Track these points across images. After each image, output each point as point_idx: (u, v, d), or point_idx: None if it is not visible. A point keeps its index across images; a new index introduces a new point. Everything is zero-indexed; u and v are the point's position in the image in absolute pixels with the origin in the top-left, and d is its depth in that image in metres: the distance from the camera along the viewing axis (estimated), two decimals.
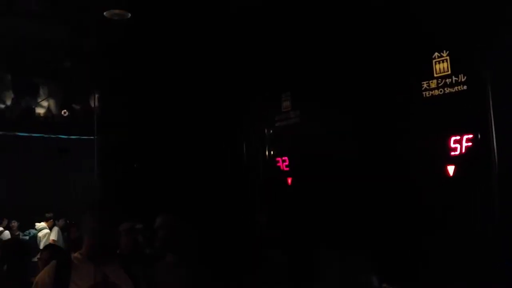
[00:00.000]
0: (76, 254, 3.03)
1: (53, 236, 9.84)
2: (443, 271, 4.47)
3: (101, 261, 2.95)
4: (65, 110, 8.43)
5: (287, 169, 6.25)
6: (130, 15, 5.01)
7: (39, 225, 10.10)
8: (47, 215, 10.21)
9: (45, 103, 9.13)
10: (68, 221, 10.33)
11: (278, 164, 6.37)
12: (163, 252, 4.60)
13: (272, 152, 6.58)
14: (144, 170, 6.62)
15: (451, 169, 4.45)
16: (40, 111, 9.79)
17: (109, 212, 3.08)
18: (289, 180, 6.21)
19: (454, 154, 4.39)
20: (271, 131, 6.62)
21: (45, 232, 9.97)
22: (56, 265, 2.90)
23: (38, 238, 9.85)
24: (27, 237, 9.78)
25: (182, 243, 4.71)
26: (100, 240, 2.98)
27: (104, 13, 4.98)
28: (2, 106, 9.34)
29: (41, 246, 9.69)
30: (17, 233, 10.24)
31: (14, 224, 10.40)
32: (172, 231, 4.77)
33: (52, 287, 2.80)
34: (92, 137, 8.58)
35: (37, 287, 2.87)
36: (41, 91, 8.49)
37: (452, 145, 4.41)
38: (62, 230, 10.28)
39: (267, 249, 6.27)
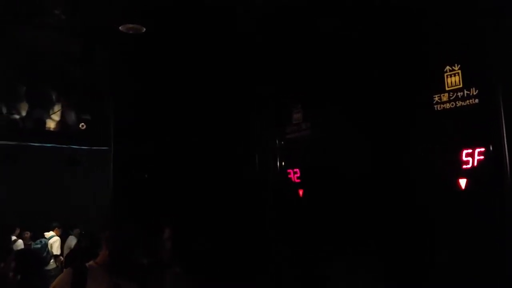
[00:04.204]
0: (91, 263, 3.11)
1: (70, 244, 9.97)
2: (456, 285, 4.46)
3: (115, 272, 3.03)
4: (82, 124, 8.54)
5: (298, 180, 6.28)
6: (144, 29, 5.08)
7: (48, 234, 10.23)
8: (54, 224, 10.35)
9: (59, 114, 9.24)
10: (83, 232, 10.44)
11: (289, 176, 6.40)
12: (171, 263, 4.64)
13: (283, 164, 6.61)
14: (157, 181, 6.67)
15: (463, 182, 4.45)
16: (53, 121, 9.91)
17: (128, 229, 3.19)
18: (301, 192, 6.23)
19: (466, 168, 4.40)
20: (282, 143, 6.65)
21: (56, 239, 10.10)
22: (73, 272, 2.99)
23: (49, 246, 9.98)
24: (39, 246, 9.91)
25: (190, 254, 4.75)
26: (118, 255, 3.07)
27: (120, 27, 5.06)
28: (16, 116, 9.45)
29: (54, 252, 9.84)
30: (29, 242, 10.35)
31: (27, 235, 10.51)
32: (179, 243, 4.82)
33: None
34: (104, 148, 8.67)
35: None
36: (56, 102, 8.60)
37: (464, 159, 4.42)
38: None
39: (278, 260, 6.29)
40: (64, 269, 3.55)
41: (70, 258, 6.48)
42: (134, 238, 3.27)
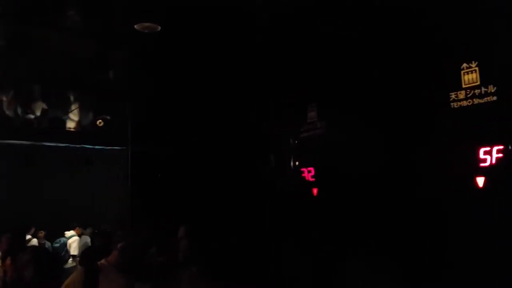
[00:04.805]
0: (103, 261, 3.11)
1: (85, 243, 10.05)
2: (471, 285, 4.42)
3: (127, 271, 3.03)
4: (100, 121, 8.59)
5: (313, 179, 6.26)
6: (160, 28, 5.09)
7: (68, 233, 10.32)
8: (74, 223, 10.44)
9: (75, 114, 9.31)
10: (96, 231, 10.51)
11: (303, 175, 6.38)
12: (186, 263, 4.64)
13: (297, 163, 6.59)
14: (173, 180, 6.70)
15: (480, 180, 4.41)
16: (69, 121, 9.98)
17: (141, 230, 3.19)
18: (315, 191, 6.21)
19: (484, 166, 4.36)
20: (296, 142, 6.64)
21: (75, 239, 10.18)
22: (85, 270, 3.00)
23: (68, 245, 10.08)
24: (57, 245, 10.02)
25: (205, 254, 4.75)
26: (129, 255, 3.07)
27: (135, 26, 5.07)
28: (31, 116, 9.53)
29: (72, 252, 9.93)
30: (43, 241, 10.43)
31: (41, 234, 10.60)
32: (194, 242, 4.82)
33: None
34: (121, 148, 8.72)
35: None
36: (72, 102, 8.66)
37: (482, 156, 4.38)
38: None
39: (290, 259, 6.28)
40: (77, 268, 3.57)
41: (84, 257, 6.53)
42: (147, 237, 3.28)
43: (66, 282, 3.11)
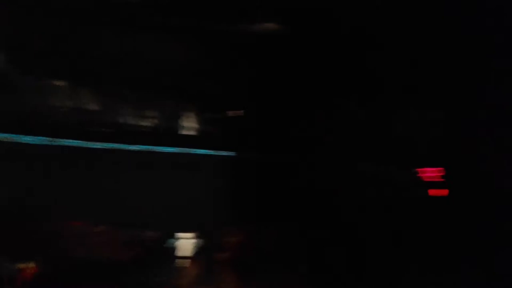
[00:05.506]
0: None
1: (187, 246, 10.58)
2: None
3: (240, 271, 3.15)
4: (233, 112, 8.56)
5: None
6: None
7: (182, 235, 10.84)
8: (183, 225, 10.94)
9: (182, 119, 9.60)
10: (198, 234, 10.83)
11: None
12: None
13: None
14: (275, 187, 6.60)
15: None
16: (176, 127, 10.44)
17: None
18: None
19: None
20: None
21: (184, 241, 10.65)
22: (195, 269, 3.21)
23: (178, 246, 10.60)
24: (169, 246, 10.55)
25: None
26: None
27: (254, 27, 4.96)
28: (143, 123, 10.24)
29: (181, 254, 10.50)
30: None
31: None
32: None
33: None
34: (225, 154, 8.93)
35: None
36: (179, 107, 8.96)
37: None
38: None
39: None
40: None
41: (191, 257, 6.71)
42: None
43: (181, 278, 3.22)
